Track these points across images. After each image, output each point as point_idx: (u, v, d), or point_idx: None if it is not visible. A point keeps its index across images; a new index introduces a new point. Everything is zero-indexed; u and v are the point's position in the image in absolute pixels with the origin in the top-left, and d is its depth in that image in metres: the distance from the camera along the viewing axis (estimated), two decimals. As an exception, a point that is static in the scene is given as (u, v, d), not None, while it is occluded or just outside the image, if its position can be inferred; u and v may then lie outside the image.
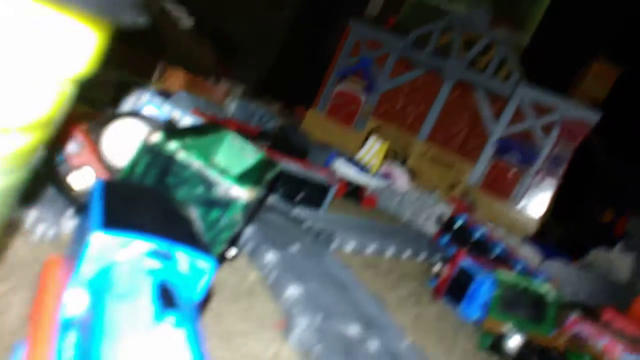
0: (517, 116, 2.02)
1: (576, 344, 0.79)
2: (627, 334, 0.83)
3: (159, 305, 0.29)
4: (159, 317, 0.28)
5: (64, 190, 0.57)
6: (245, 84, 2.16)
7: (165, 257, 0.34)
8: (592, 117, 1.90)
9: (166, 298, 0.30)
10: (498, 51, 2.11)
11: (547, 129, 1.97)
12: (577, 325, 0.81)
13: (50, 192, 0.59)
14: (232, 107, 1.55)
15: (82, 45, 0.26)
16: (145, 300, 0.29)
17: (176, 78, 1.39)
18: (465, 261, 0.85)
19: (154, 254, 0.33)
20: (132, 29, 0.26)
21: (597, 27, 3.61)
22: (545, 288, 0.82)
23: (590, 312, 0.88)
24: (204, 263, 0.35)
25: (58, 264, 0.39)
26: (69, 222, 0.56)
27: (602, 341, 0.79)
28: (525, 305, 0.79)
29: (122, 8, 0.25)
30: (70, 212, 0.57)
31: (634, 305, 0.99)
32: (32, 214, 0.54)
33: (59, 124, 0.29)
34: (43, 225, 0.54)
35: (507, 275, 0.82)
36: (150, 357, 0.26)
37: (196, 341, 0.28)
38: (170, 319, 0.28)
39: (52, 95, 0.26)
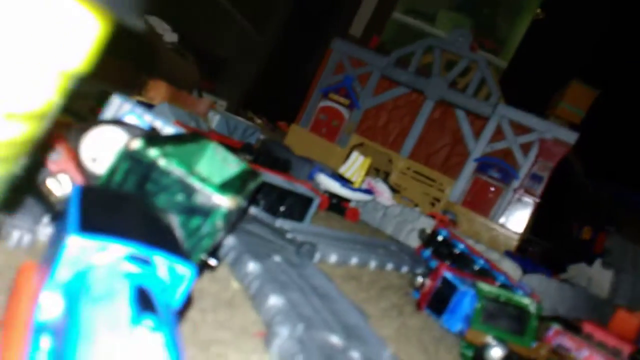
0: (497, 135, 2.06)
1: (557, 355, 0.79)
2: (608, 347, 0.84)
3: (136, 308, 0.28)
4: (136, 320, 0.27)
5: (42, 196, 0.56)
6: (229, 99, 2.17)
7: (143, 261, 0.33)
8: (569, 137, 1.94)
9: (144, 301, 0.29)
10: (477, 72, 2.15)
11: (525, 148, 2.00)
12: (558, 337, 0.81)
13: (27, 198, 0.58)
14: (215, 120, 1.54)
15: (84, 37, 0.25)
16: (122, 303, 0.28)
17: (159, 90, 1.38)
18: (448, 274, 0.85)
19: (131, 258, 0.33)
20: (128, 31, 0.26)
21: (573, 51, 3.72)
22: (526, 301, 0.82)
23: (571, 325, 0.89)
24: (184, 269, 0.35)
25: (33, 270, 0.38)
26: (45, 229, 0.55)
27: (583, 353, 0.79)
28: (506, 317, 0.79)
29: (127, 8, 0.24)
30: (46, 219, 0.56)
31: (614, 319, 1.00)
32: (8, 220, 0.52)
33: (53, 119, 0.28)
34: (19, 231, 0.53)
35: (489, 288, 0.82)
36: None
37: (174, 346, 0.27)
38: (148, 322, 0.27)
39: (51, 86, 0.25)
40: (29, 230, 0.53)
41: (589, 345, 0.81)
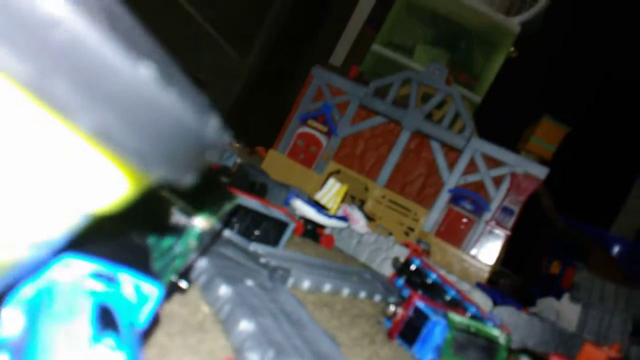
0: (470, 167, 2.10)
1: (526, 388, 0.79)
2: (574, 380, 0.85)
3: (97, 326, 0.27)
4: (96, 338, 0.27)
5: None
6: (207, 122, 2.16)
7: (108, 279, 0.32)
8: (540, 172, 2.00)
9: (105, 320, 0.29)
10: (452, 106, 2.21)
11: (497, 181, 2.05)
12: (526, 369, 0.82)
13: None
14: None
15: (110, 189, 0.23)
16: (83, 321, 0.28)
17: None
18: (420, 303, 0.86)
19: (96, 276, 0.32)
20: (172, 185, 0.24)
21: (544, 89, 3.85)
22: (496, 332, 0.83)
23: (539, 358, 0.89)
24: (150, 288, 0.34)
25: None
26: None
27: (550, 386, 0.79)
28: (476, 348, 0.80)
29: (173, 167, 0.22)
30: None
31: (581, 353, 1.01)
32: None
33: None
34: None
35: (460, 319, 0.82)
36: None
37: None
38: (109, 341, 0.27)
39: (61, 224, 0.24)
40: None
41: (556, 379, 0.82)
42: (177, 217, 0.47)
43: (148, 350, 0.49)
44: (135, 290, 0.32)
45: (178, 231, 0.48)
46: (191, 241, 0.48)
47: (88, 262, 0.32)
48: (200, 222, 0.49)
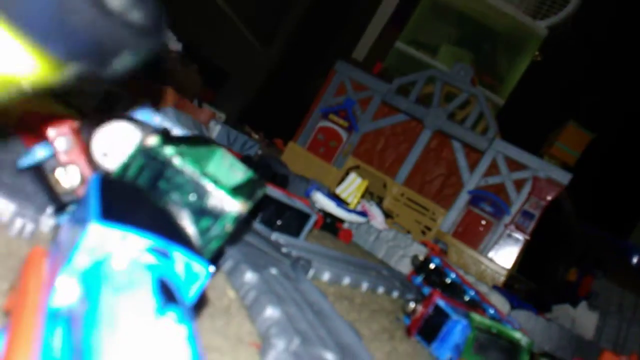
0: (492, 169, 2.09)
1: (545, 392, 0.79)
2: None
3: (160, 299, 0.28)
4: (161, 311, 0.27)
5: (48, 185, 0.55)
6: (228, 111, 2.17)
7: (163, 255, 0.33)
8: (563, 177, 1.97)
9: (167, 293, 0.29)
10: (476, 106, 2.19)
11: (519, 185, 2.03)
12: (547, 373, 0.81)
13: (31, 187, 0.57)
14: (216, 130, 1.55)
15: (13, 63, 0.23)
16: (146, 293, 0.28)
17: (166, 95, 1.38)
18: (441, 301, 0.85)
19: (152, 251, 0.32)
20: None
21: (570, 94, 3.80)
22: (517, 335, 0.82)
23: (558, 363, 0.89)
24: (199, 267, 0.34)
25: (43, 256, 0.37)
26: (48, 220, 0.54)
27: (570, 392, 0.79)
28: (497, 349, 0.79)
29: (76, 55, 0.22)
30: (49, 209, 0.55)
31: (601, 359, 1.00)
32: (10, 207, 0.52)
33: None
34: (21, 220, 0.52)
35: (481, 319, 0.82)
36: (151, 349, 0.25)
37: (195, 340, 0.27)
38: (172, 314, 0.27)
39: None
40: (32, 220, 0.53)
41: (576, 384, 0.81)
42: (216, 199, 0.48)
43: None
44: (185, 268, 0.33)
45: (216, 214, 0.48)
46: (227, 225, 0.49)
47: (144, 237, 0.32)
48: (238, 206, 0.49)
